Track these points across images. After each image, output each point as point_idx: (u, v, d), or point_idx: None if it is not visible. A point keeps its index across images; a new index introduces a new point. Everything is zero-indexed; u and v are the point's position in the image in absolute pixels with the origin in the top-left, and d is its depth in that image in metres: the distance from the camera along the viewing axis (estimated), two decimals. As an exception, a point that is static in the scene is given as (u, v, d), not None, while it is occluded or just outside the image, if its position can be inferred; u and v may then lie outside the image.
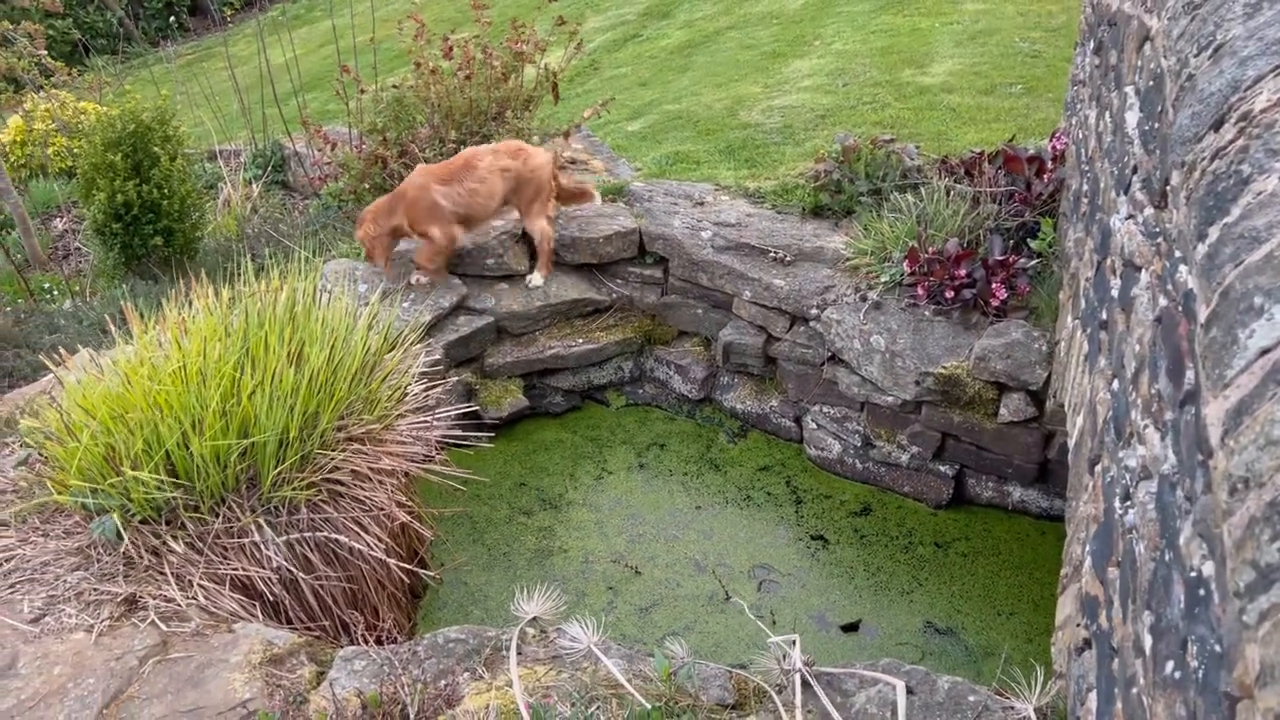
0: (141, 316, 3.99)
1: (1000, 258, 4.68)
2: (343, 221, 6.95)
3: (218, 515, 3.59)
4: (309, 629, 3.64)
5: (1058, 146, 5.00)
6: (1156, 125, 2.26)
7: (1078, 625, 2.49)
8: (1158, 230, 2.16)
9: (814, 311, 5.15)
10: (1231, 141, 1.66)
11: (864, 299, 4.99)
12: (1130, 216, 2.54)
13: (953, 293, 4.70)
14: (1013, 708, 2.72)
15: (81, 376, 3.76)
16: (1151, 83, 2.44)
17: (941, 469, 4.88)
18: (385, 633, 3.64)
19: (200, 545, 3.52)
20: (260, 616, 3.50)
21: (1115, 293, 2.63)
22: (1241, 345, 1.38)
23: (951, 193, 5.11)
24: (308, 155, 8.38)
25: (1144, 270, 2.27)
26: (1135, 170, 2.55)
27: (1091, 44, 4.12)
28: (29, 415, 3.99)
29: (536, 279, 5.81)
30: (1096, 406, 2.72)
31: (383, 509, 3.84)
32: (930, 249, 4.83)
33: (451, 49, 6.91)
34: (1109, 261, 2.82)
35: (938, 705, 2.77)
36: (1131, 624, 1.86)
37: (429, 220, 5.37)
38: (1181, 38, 2.11)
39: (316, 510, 3.71)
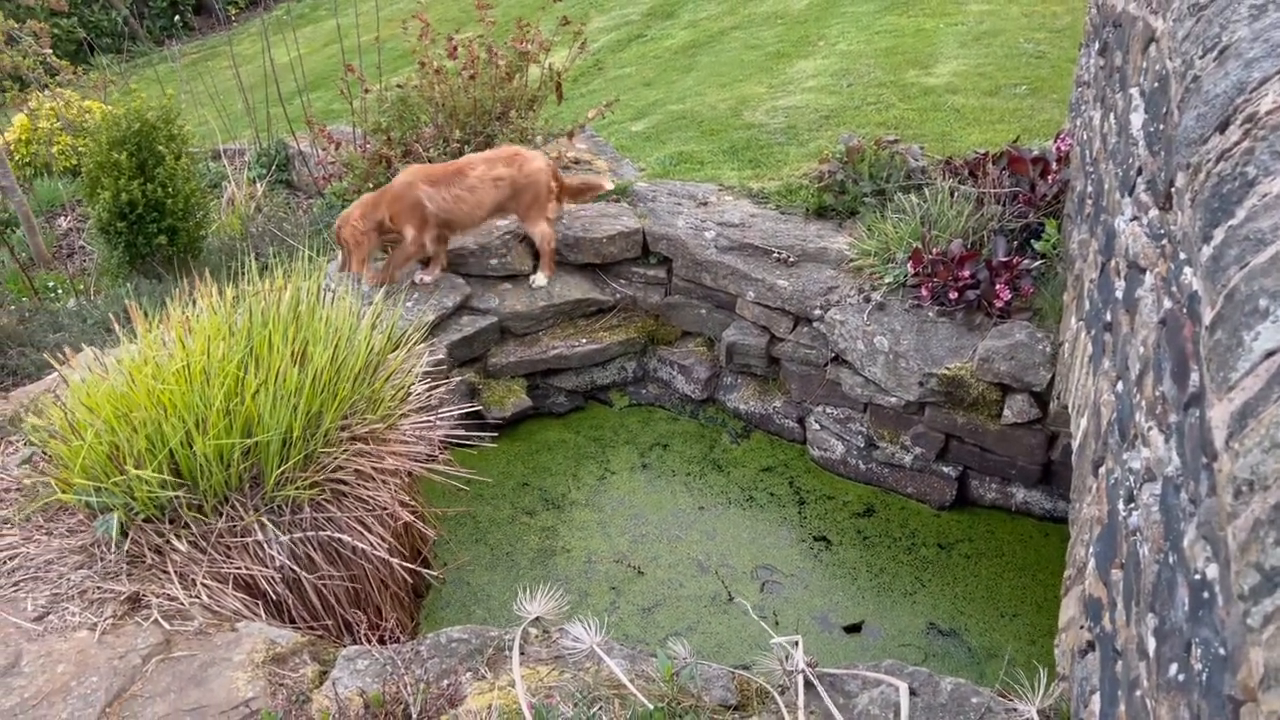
0: (146, 315, 3.99)
1: (1004, 259, 4.67)
2: (346, 221, 6.95)
3: (221, 514, 3.59)
4: (312, 628, 3.64)
5: (1062, 148, 4.99)
6: (1161, 127, 2.26)
7: (1081, 627, 2.48)
8: (1163, 232, 2.16)
9: (817, 312, 5.15)
10: (1237, 143, 1.66)
11: (868, 300, 4.98)
12: (1135, 218, 2.54)
13: (956, 294, 4.69)
14: (1016, 710, 2.72)
15: (85, 375, 3.77)
16: (1157, 84, 2.44)
17: (945, 470, 4.88)
18: (388, 632, 3.64)
19: (203, 544, 3.53)
20: (263, 615, 3.51)
21: (1120, 294, 2.63)
22: (1246, 348, 1.37)
23: (956, 194, 5.10)
24: (312, 155, 8.39)
25: (1148, 272, 2.26)
26: (1140, 172, 2.54)
27: (1096, 45, 4.12)
28: (33, 413, 4.00)
29: (540, 279, 5.81)
30: (1100, 408, 2.72)
31: (386, 508, 3.84)
32: (934, 250, 4.82)
33: (456, 48, 6.92)
34: (1113, 263, 2.81)
35: (940, 707, 2.77)
36: (1135, 626, 1.86)
37: (408, 218, 5.37)
38: (1187, 39, 2.10)
39: (320, 509, 3.72)
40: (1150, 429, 1.98)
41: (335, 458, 3.78)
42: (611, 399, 5.97)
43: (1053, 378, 4.30)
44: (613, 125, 8.25)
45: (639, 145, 7.66)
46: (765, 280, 5.37)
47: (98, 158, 6.40)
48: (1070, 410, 3.53)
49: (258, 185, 8.49)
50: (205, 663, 3.07)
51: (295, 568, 3.59)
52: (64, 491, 3.53)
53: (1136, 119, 2.69)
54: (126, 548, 3.42)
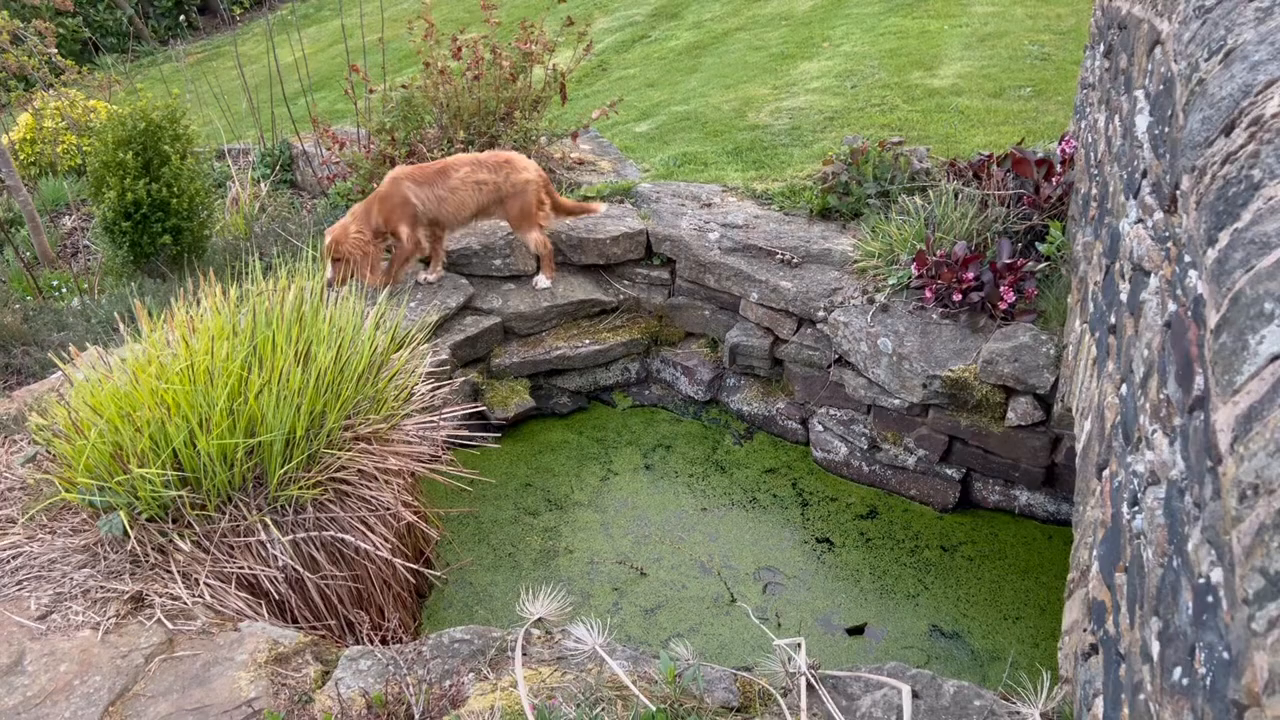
0: (150, 314, 4.00)
1: (1008, 261, 4.66)
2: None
3: (224, 514, 3.60)
4: (314, 628, 3.64)
5: (1066, 150, 4.99)
6: (1167, 129, 2.25)
7: (1084, 630, 2.48)
8: (1167, 235, 2.15)
9: (821, 314, 5.15)
10: (1242, 146, 1.65)
11: (871, 301, 4.98)
12: (1140, 221, 2.54)
13: (960, 296, 4.69)
14: (1019, 713, 2.72)
15: (89, 374, 3.78)
16: (1162, 87, 2.43)
17: (948, 472, 4.87)
18: (390, 632, 3.64)
19: (207, 544, 3.53)
20: (266, 615, 3.51)
21: (1124, 297, 2.62)
22: (1252, 351, 1.37)
23: (960, 195, 5.10)
24: (316, 155, 8.39)
25: (1153, 275, 2.26)
26: (1145, 174, 2.54)
27: (1101, 47, 4.11)
28: (37, 412, 4.01)
29: (543, 281, 5.81)
30: (1105, 411, 2.71)
31: (389, 509, 3.85)
32: (938, 252, 4.82)
33: (460, 49, 6.92)
34: (1118, 266, 2.81)
35: (943, 709, 2.76)
36: (1139, 630, 1.86)
37: (400, 217, 5.37)
38: (1192, 42, 2.10)
39: (323, 509, 3.72)
40: (1154, 432, 1.98)
41: (338, 458, 3.79)
42: (614, 400, 5.97)
43: (1056, 380, 4.29)
44: (617, 126, 8.26)
45: (643, 146, 7.66)
46: (769, 281, 5.36)
47: (103, 157, 6.41)
48: (1074, 413, 3.52)
49: (262, 185, 8.49)
50: (208, 662, 3.08)
51: (298, 568, 3.59)
52: (68, 490, 3.54)
53: (1141, 121, 2.69)
54: (130, 547, 3.43)
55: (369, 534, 3.74)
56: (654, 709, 2.73)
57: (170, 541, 3.50)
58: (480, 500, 5.02)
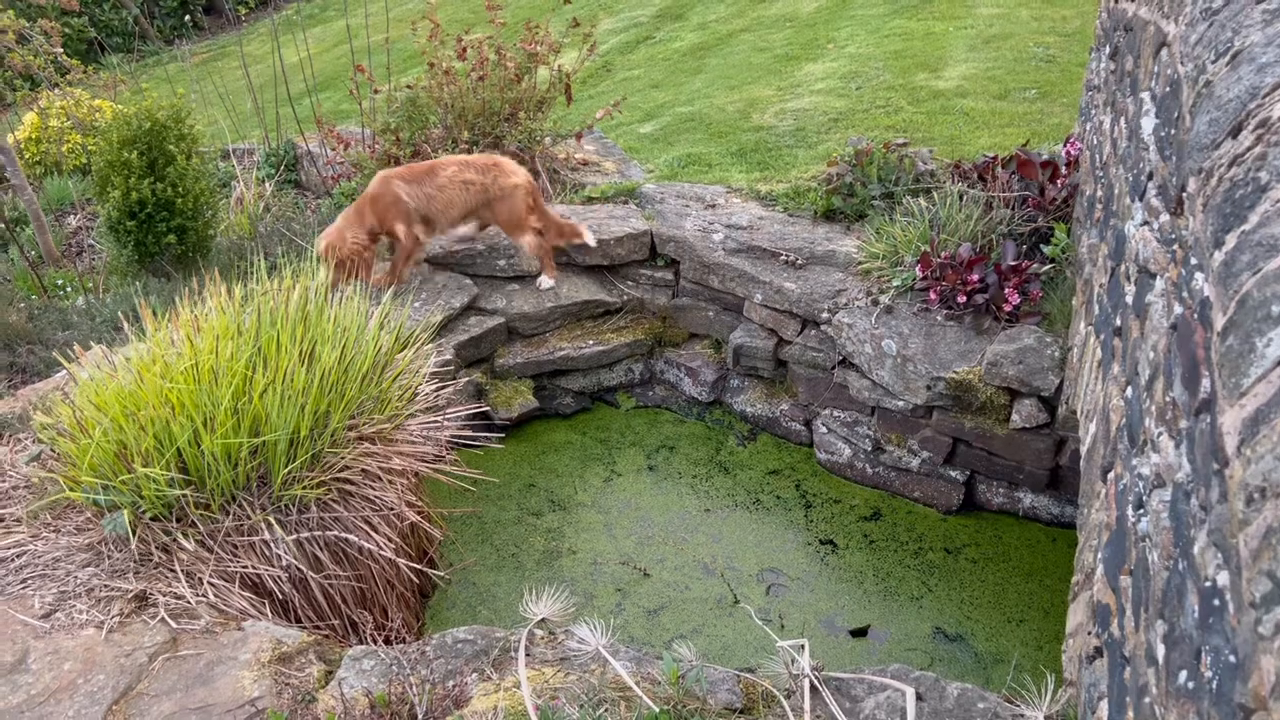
0: (154, 314, 4.00)
1: (1013, 263, 4.66)
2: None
3: (228, 513, 3.60)
4: (318, 628, 3.65)
5: (1071, 152, 4.99)
6: (1173, 131, 2.25)
7: (1089, 633, 2.47)
8: (1173, 237, 2.15)
9: (825, 315, 5.14)
10: (1250, 148, 1.65)
11: (875, 303, 4.97)
12: (1145, 223, 2.53)
13: (965, 297, 4.68)
14: (1023, 715, 2.71)
15: (94, 373, 3.78)
16: (1168, 89, 2.43)
17: (952, 474, 4.87)
18: (394, 632, 3.64)
19: (210, 543, 3.54)
20: (269, 615, 3.51)
21: (1130, 299, 2.62)
22: (1259, 354, 1.37)
23: (964, 197, 5.09)
24: (321, 155, 8.40)
25: (1159, 277, 2.25)
26: (1151, 176, 2.53)
27: (1107, 49, 4.11)
28: (42, 411, 4.01)
29: (546, 281, 5.81)
30: (1110, 413, 2.71)
31: (392, 509, 3.85)
32: (943, 253, 4.81)
33: (465, 50, 6.93)
34: (1123, 268, 2.80)
35: (947, 712, 2.76)
36: (1144, 633, 1.85)
37: (395, 216, 5.37)
38: (1199, 44, 2.10)
39: (326, 509, 3.72)
40: (1160, 435, 1.97)
41: (342, 457, 3.79)
42: (618, 400, 5.97)
43: (1061, 382, 4.29)
44: (621, 127, 8.26)
45: (647, 147, 7.66)
46: (773, 283, 5.36)
47: (108, 156, 6.42)
48: (1079, 415, 3.52)
49: (266, 185, 8.50)
50: (211, 661, 3.08)
51: (302, 567, 3.59)
52: (72, 489, 3.54)
53: (1147, 123, 2.69)
54: (134, 546, 3.43)
55: (373, 534, 3.74)
56: (657, 710, 2.73)
57: (174, 540, 3.50)
58: (484, 500, 5.03)
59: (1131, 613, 2.00)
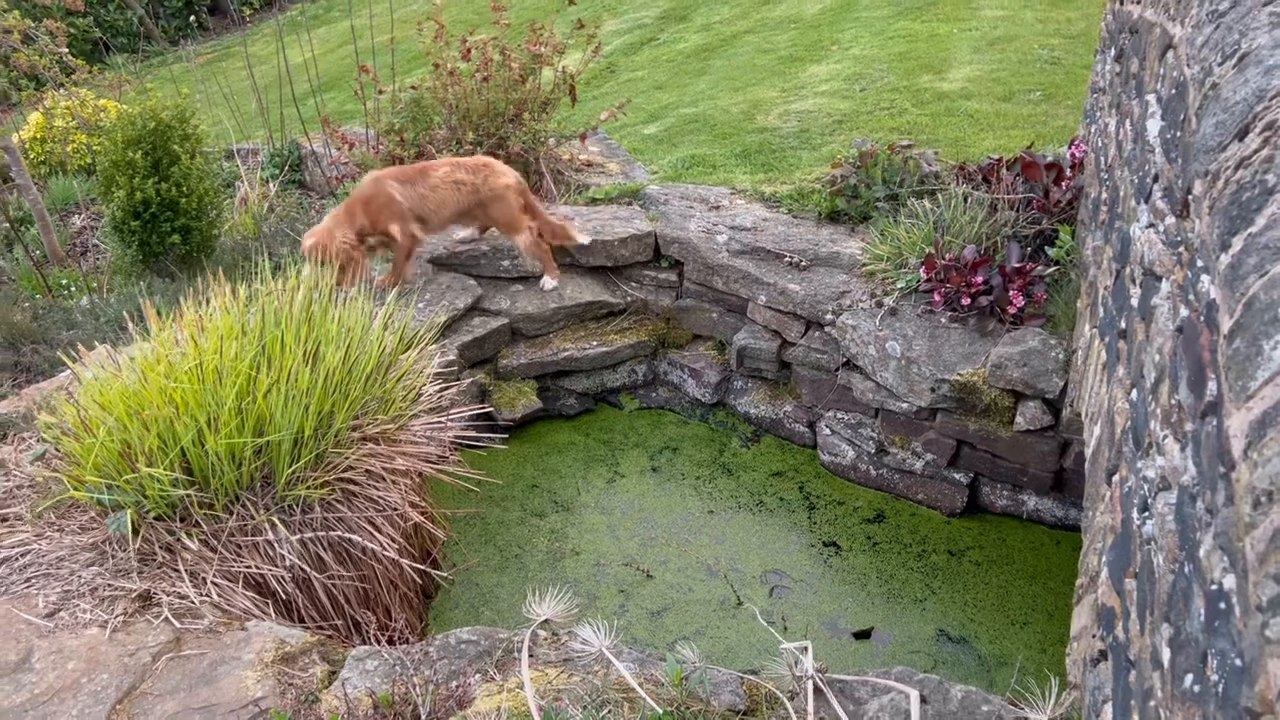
0: (159, 314, 4.01)
1: (1017, 265, 4.65)
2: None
3: (232, 513, 3.60)
4: (321, 628, 3.65)
5: (1076, 154, 4.98)
6: (1179, 133, 2.25)
7: (1093, 636, 2.47)
8: (1179, 239, 2.14)
9: (829, 317, 5.14)
10: (1256, 151, 1.65)
11: (880, 305, 4.97)
12: (1151, 225, 2.53)
13: (969, 300, 4.68)
14: (1027, 718, 2.71)
15: (98, 373, 3.79)
16: (1174, 91, 2.43)
17: (956, 477, 4.86)
18: (397, 633, 3.64)
19: (214, 543, 3.54)
20: (273, 615, 3.51)
21: (1135, 302, 2.61)
22: (1266, 356, 1.36)
23: (969, 199, 5.09)
24: (325, 155, 8.42)
25: (1164, 279, 2.25)
26: (1156, 179, 2.53)
27: (1112, 51, 4.10)
28: (46, 411, 4.02)
29: (549, 282, 5.82)
30: (1115, 416, 2.70)
31: (396, 509, 3.85)
32: (947, 255, 4.81)
33: (470, 51, 6.93)
34: (1128, 270, 2.80)
35: (950, 715, 2.76)
36: (1149, 636, 1.85)
37: (389, 216, 5.37)
38: (1205, 46, 2.09)
39: (330, 509, 3.72)
40: (1166, 437, 1.97)
41: (346, 458, 3.79)
42: (621, 402, 5.97)
43: (1065, 385, 4.28)
44: (625, 128, 8.26)
45: (651, 148, 7.67)
46: (777, 284, 5.36)
47: (113, 156, 6.43)
48: (1083, 418, 3.51)
49: (271, 185, 8.52)
50: (215, 661, 3.08)
51: (305, 567, 3.60)
52: (76, 489, 3.55)
53: (1153, 125, 2.68)
54: (137, 546, 3.43)
55: (376, 534, 3.75)
56: (660, 711, 2.72)
57: (178, 540, 3.50)
58: (487, 501, 5.03)
59: (1137, 616, 2.00)
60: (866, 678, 2.92)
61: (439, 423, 4.38)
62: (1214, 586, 1.47)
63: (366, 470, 3.84)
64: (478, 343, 5.57)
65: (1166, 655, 1.69)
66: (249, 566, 3.52)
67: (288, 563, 3.56)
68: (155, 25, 19.15)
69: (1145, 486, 2.11)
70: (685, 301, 5.98)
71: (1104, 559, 2.47)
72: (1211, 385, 1.65)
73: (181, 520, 3.56)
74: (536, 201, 5.80)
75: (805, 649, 3.00)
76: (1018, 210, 4.97)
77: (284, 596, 3.58)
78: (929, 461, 4.89)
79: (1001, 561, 4.57)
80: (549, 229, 5.75)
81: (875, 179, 5.69)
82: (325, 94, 11.08)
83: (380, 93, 7.54)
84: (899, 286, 4.98)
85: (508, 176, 5.59)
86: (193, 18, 19.33)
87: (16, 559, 3.46)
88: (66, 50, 8.37)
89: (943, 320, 4.79)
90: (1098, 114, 4.41)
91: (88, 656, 3.05)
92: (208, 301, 4.09)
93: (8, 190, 9.21)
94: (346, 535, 3.69)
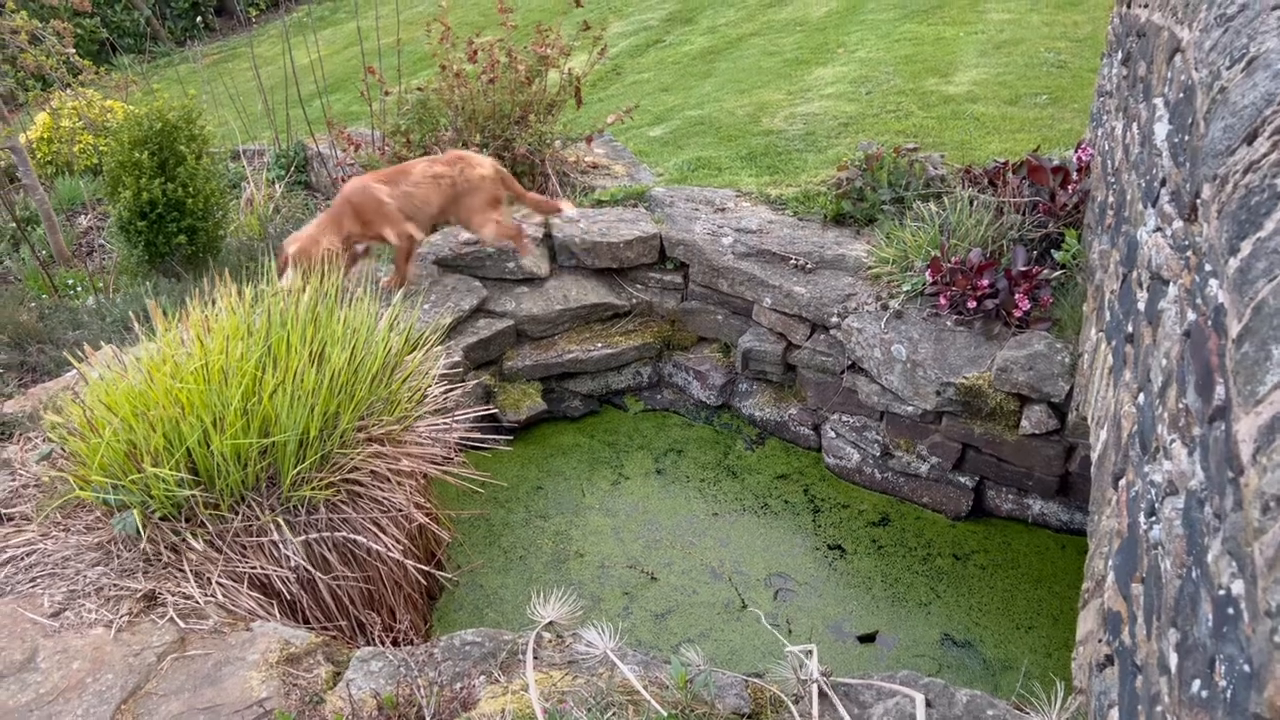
0: (165, 314, 4.01)
1: (1023, 268, 4.65)
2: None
3: (237, 513, 3.61)
4: (326, 629, 3.65)
5: (1083, 157, 4.97)
6: (1187, 138, 2.24)
7: (1099, 641, 2.46)
8: (1187, 244, 2.14)
9: (834, 319, 5.14)
10: (1265, 155, 1.64)
11: (885, 308, 4.97)
12: (1158, 229, 2.52)
13: (975, 303, 4.67)
14: (1032, 723, 2.70)
15: (104, 373, 3.79)
16: (1182, 95, 2.42)
17: (961, 480, 4.85)
18: (401, 634, 3.64)
19: (219, 543, 3.54)
20: (278, 615, 3.51)
21: (1142, 306, 2.61)
22: (1275, 361, 1.36)
23: (975, 202, 5.08)
24: (331, 156, 8.43)
25: (1172, 284, 2.24)
26: (1164, 183, 2.52)
27: (1119, 55, 4.10)
28: (52, 410, 4.03)
29: (526, 262, 5.82)
30: (1121, 420, 2.70)
31: (401, 510, 3.85)
32: (953, 259, 4.80)
33: (476, 52, 6.94)
34: (1135, 274, 2.79)
35: (956, 719, 2.75)
36: (1156, 641, 1.84)
37: (381, 220, 5.37)
38: (1214, 50, 2.09)
39: (335, 510, 3.73)
40: (1173, 442, 1.96)
41: (351, 459, 3.79)
42: (626, 404, 5.97)
43: (1071, 389, 4.27)
44: (630, 130, 8.27)
45: (657, 150, 7.67)
46: (782, 287, 5.35)
47: (119, 157, 6.44)
48: (1089, 422, 3.51)
49: (276, 186, 8.53)
50: (220, 662, 3.08)
51: (310, 568, 3.60)
52: (82, 489, 3.55)
53: (1161, 129, 2.68)
54: (143, 546, 3.44)
55: (381, 535, 3.75)
56: (665, 714, 2.72)
57: (183, 540, 3.51)
58: (491, 503, 5.03)
59: (1143, 620, 1.99)
60: (871, 681, 2.92)
61: (444, 424, 4.38)
62: (1222, 592, 1.46)
63: (372, 471, 3.85)
64: (483, 344, 5.58)
65: (1174, 660, 1.68)
66: (254, 567, 3.53)
67: (293, 563, 3.56)
68: (162, 26, 19.20)
69: (1152, 491, 2.11)
70: (690, 304, 5.98)
71: (1110, 563, 2.47)
72: (1220, 390, 1.64)
73: (187, 520, 3.57)
74: (517, 183, 5.82)
75: (810, 652, 2.99)
76: (1024, 214, 4.97)
77: (289, 597, 3.58)
78: (934, 465, 4.88)
79: (1007, 565, 4.56)
80: (536, 204, 5.85)
81: (881, 182, 5.68)
82: (331, 95, 11.09)
83: (386, 94, 7.54)
84: (904, 290, 4.98)
85: (483, 167, 5.60)
86: (199, 19, 19.38)
87: (22, 559, 3.47)
88: (73, 51, 8.39)
89: (948, 323, 4.79)
90: (1104, 117, 4.41)
91: (93, 656, 3.06)
92: (213, 302, 4.09)
93: (14, 190, 9.24)
94: (351, 536, 3.70)
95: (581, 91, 7.18)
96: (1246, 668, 1.31)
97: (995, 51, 8.73)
